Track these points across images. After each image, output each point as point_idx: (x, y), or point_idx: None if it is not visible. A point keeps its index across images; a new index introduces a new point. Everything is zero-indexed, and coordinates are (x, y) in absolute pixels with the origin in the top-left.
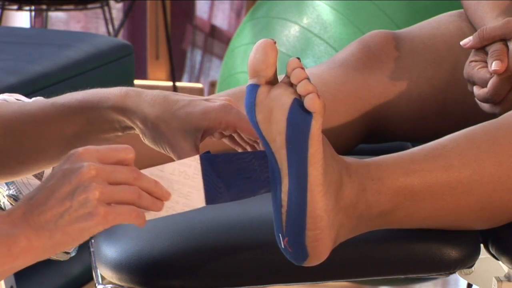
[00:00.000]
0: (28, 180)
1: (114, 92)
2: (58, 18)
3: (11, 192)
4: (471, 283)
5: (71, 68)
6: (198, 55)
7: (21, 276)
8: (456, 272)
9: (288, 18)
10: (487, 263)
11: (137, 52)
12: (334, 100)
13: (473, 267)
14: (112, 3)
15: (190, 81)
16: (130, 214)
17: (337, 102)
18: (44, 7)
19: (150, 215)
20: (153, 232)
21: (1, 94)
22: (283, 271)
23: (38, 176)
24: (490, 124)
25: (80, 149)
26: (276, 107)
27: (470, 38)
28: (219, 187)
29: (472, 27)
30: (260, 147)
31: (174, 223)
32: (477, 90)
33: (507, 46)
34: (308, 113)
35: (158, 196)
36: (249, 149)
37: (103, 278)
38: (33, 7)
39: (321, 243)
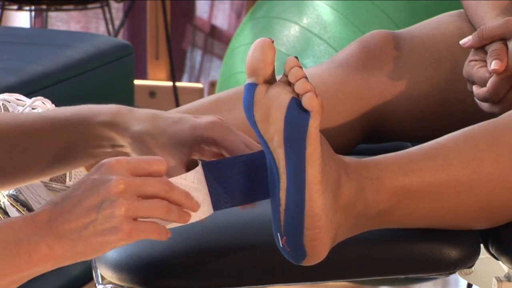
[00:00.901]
0: None
1: (106, 108)
2: (58, 18)
3: (11, 192)
4: (471, 283)
5: (71, 68)
6: (198, 55)
7: None
8: (456, 272)
9: (288, 18)
10: (487, 263)
11: (137, 52)
12: (334, 100)
13: (473, 267)
14: (112, 3)
15: (190, 81)
16: (153, 232)
17: (337, 102)
18: (44, 7)
19: (170, 225)
20: None
21: (1, 94)
22: (283, 271)
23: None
24: (489, 124)
25: (112, 160)
26: (274, 106)
27: (470, 37)
28: (223, 193)
29: (472, 27)
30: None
31: None
32: (476, 90)
33: (506, 46)
34: (306, 112)
35: (188, 208)
36: None
37: (103, 278)
38: (33, 7)
39: (319, 242)
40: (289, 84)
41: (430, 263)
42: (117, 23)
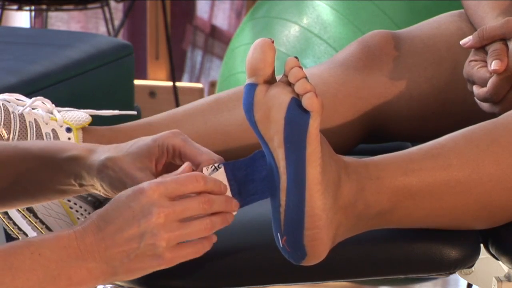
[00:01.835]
0: None
1: (75, 145)
2: (58, 18)
3: None
4: (471, 283)
5: (71, 68)
6: (198, 55)
7: None
8: (456, 272)
9: (288, 18)
10: (487, 263)
11: (137, 52)
12: (334, 100)
13: (473, 267)
14: (112, 3)
15: (190, 81)
16: (195, 254)
17: (337, 102)
18: (44, 7)
19: None
20: None
21: (1, 94)
22: (283, 271)
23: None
24: (489, 124)
25: (149, 189)
26: (274, 106)
27: (470, 37)
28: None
29: (472, 27)
30: None
31: None
32: (476, 90)
33: (506, 46)
34: (306, 112)
35: (230, 211)
36: None
37: None
38: (33, 7)
39: (319, 242)
40: (289, 84)
41: (430, 263)
42: (117, 23)
